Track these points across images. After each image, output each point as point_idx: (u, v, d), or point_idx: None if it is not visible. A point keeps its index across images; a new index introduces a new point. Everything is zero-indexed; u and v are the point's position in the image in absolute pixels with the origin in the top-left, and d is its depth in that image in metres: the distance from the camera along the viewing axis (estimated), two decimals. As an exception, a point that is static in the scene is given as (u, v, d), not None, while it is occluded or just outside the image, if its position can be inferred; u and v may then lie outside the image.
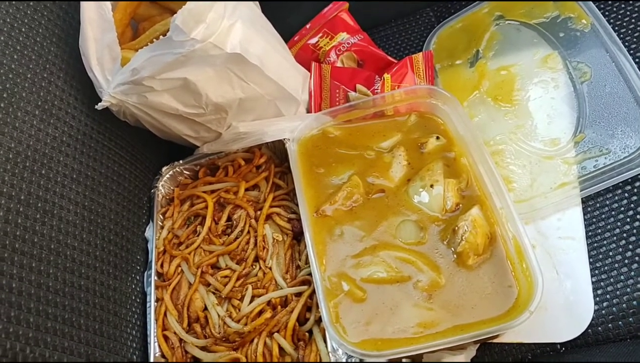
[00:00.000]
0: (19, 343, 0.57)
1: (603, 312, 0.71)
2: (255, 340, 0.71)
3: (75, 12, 0.80)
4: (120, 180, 0.84)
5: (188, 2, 0.69)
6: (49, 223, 0.67)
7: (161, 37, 0.75)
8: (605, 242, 0.76)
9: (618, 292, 0.71)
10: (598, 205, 0.79)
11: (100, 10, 0.77)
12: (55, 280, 0.65)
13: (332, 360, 0.67)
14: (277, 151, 0.91)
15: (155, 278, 0.80)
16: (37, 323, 0.60)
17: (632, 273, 0.72)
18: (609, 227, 0.76)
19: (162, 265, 0.81)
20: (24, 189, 0.66)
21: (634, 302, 0.70)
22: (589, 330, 0.71)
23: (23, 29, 0.74)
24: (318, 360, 0.69)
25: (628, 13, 0.89)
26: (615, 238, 0.75)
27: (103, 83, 0.77)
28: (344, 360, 0.67)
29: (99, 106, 0.76)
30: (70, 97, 0.78)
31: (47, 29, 0.79)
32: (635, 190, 0.77)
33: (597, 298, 0.72)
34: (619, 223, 0.76)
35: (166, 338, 0.75)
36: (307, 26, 1.05)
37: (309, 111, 0.93)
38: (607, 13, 0.91)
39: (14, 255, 0.61)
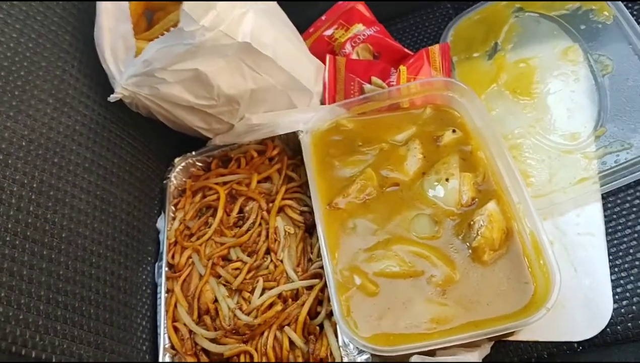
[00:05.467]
0: (29, 331, 0.57)
1: (622, 310, 0.69)
2: (266, 333, 0.70)
3: (91, 1, 0.80)
4: (133, 171, 0.83)
5: (199, -10, 0.68)
6: (61, 211, 0.67)
7: (172, 28, 0.75)
8: (625, 239, 0.74)
9: (639, 291, 0.70)
10: (619, 201, 0.77)
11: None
12: (66, 268, 0.65)
13: (342, 354, 0.66)
14: (290, 143, 0.90)
15: (166, 269, 0.80)
16: (47, 311, 0.60)
17: (654, 271, 0.70)
18: (629, 223, 0.75)
19: (173, 257, 0.81)
20: (37, 177, 0.66)
21: (655, 301, 0.69)
22: (608, 329, 0.69)
23: (38, 17, 0.75)
24: (328, 354, 0.68)
25: (651, 5, 0.87)
26: (636, 235, 0.73)
27: (116, 74, 0.77)
28: (354, 355, 0.66)
29: (111, 98, 0.76)
30: (84, 86, 0.78)
31: (62, 18, 0.79)
32: (658, 186, 0.75)
33: (617, 297, 0.71)
34: (640, 220, 0.74)
35: (176, 329, 0.75)
36: (323, 18, 1.04)
37: (322, 103, 0.92)
38: (630, 5, 0.88)
39: (25, 242, 0.61)
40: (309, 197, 0.79)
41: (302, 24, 0.98)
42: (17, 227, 0.60)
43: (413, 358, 0.65)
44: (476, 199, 0.73)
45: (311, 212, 0.79)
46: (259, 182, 0.85)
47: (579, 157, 0.80)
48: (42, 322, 0.59)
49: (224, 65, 0.76)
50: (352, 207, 0.76)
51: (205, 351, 0.73)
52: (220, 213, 0.81)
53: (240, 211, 0.83)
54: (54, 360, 0.58)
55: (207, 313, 0.74)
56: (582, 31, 0.89)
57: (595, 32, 0.88)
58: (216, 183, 0.86)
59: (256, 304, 0.72)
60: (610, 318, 0.69)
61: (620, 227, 0.75)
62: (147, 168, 0.87)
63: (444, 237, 0.71)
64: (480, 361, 0.68)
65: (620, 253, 0.73)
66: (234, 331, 0.71)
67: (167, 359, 0.73)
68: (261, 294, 0.73)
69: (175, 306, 0.76)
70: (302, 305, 0.71)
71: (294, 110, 0.87)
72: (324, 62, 0.94)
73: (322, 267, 0.72)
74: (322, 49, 0.99)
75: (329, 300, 0.70)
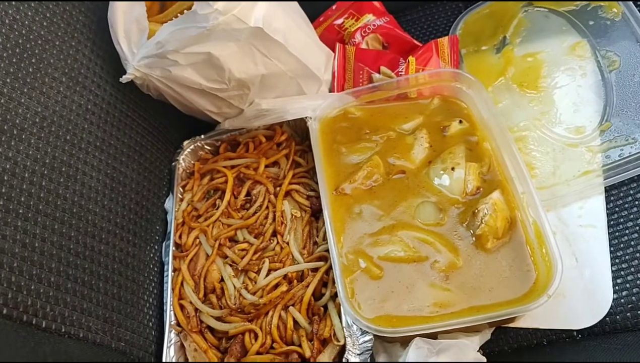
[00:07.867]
0: (40, 301, 0.58)
1: (622, 300, 0.70)
2: (270, 313, 0.71)
3: (106, -18, 0.81)
4: (142, 151, 0.84)
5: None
6: (72, 187, 0.68)
7: (186, 11, 0.76)
8: (627, 231, 0.75)
9: (638, 282, 0.71)
10: (621, 194, 0.78)
11: (131, -18, 0.78)
12: (77, 243, 0.66)
13: (345, 335, 0.67)
14: (298, 129, 0.91)
15: (174, 248, 0.81)
16: (58, 283, 0.61)
17: (654, 263, 0.71)
18: (631, 216, 0.75)
19: (180, 237, 0.82)
20: (49, 153, 0.67)
21: (654, 292, 0.70)
22: (607, 319, 0.70)
23: (53, -3, 0.75)
24: (332, 335, 0.69)
25: (660, 3, 0.87)
26: (637, 227, 0.74)
27: (128, 55, 0.77)
28: (357, 335, 0.67)
29: (123, 79, 0.77)
30: (96, 66, 0.79)
31: (77, -2, 0.80)
32: (660, 180, 0.76)
33: (617, 287, 0.71)
34: (641, 213, 0.75)
35: (182, 307, 0.76)
36: (333, 7, 1.05)
37: (331, 91, 0.93)
38: (639, 3, 0.89)
39: (37, 216, 0.62)
40: (316, 183, 0.80)
41: (313, 13, 0.99)
42: (29, 200, 0.61)
43: (415, 341, 0.66)
44: (481, 188, 0.74)
45: (317, 197, 0.80)
46: (266, 166, 0.86)
47: (583, 150, 0.81)
48: (52, 293, 0.60)
49: (235, 50, 0.76)
50: (358, 193, 0.77)
51: (211, 329, 0.74)
52: (228, 195, 0.82)
53: (248, 194, 0.84)
54: (63, 330, 0.59)
55: (213, 292, 0.75)
56: (591, 27, 0.90)
57: (603, 28, 0.89)
58: (224, 167, 0.87)
59: (262, 284, 0.73)
60: (610, 308, 0.70)
61: (622, 220, 0.76)
62: (157, 149, 0.88)
63: (448, 224, 0.72)
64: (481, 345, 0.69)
65: (622, 245, 0.74)
66: (239, 310, 0.72)
67: (173, 335, 0.74)
68: (267, 275, 0.74)
69: (182, 284, 0.77)
70: (307, 286, 0.72)
71: (303, 97, 0.87)
72: (333, 50, 0.95)
73: (327, 250, 0.73)
74: (332, 38, 1.00)
75: (333, 282, 0.71)
